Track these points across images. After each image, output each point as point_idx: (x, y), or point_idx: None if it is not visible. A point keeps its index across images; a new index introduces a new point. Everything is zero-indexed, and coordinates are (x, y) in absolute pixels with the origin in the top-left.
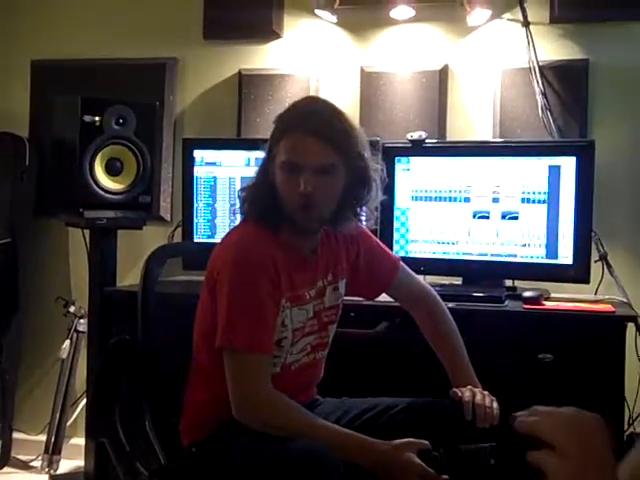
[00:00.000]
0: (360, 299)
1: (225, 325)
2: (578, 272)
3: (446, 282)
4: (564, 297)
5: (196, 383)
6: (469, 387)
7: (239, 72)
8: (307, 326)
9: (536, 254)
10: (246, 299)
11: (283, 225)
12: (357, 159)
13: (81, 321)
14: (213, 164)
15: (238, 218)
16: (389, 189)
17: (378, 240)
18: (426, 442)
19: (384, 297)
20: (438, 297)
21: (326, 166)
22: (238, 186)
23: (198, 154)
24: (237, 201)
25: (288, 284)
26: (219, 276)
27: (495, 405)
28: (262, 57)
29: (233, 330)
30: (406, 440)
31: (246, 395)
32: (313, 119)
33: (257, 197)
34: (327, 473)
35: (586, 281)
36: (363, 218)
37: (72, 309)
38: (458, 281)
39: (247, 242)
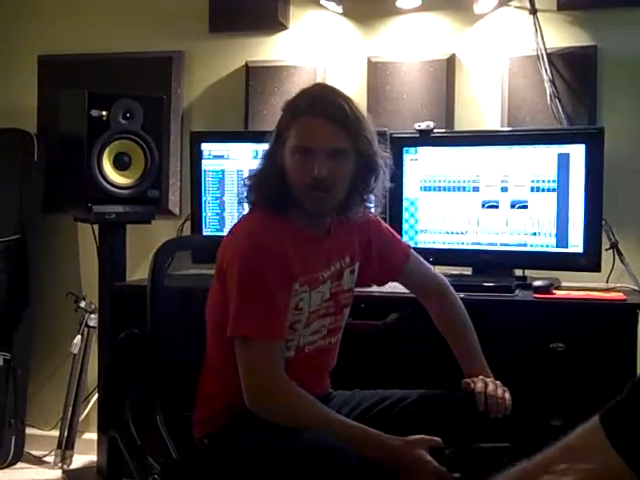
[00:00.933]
0: (370, 290)
1: (235, 314)
2: (589, 260)
3: (456, 272)
4: (575, 286)
5: (208, 375)
6: (481, 377)
7: (246, 64)
8: (322, 308)
9: (546, 243)
10: (255, 288)
11: (292, 209)
12: (367, 145)
13: (92, 316)
14: (221, 157)
15: (246, 208)
16: (397, 179)
17: (389, 227)
18: (438, 439)
19: (394, 288)
20: (450, 287)
21: (338, 150)
22: None
23: (206, 147)
24: (244, 190)
25: (301, 267)
26: (228, 268)
27: (507, 396)
28: (268, 49)
29: (243, 318)
30: (419, 437)
31: (258, 384)
32: (325, 104)
33: (265, 183)
34: (339, 467)
35: (597, 269)
36: (371, 205)
37: (82, 304)
38: (468, 271)
39: (255, 231)
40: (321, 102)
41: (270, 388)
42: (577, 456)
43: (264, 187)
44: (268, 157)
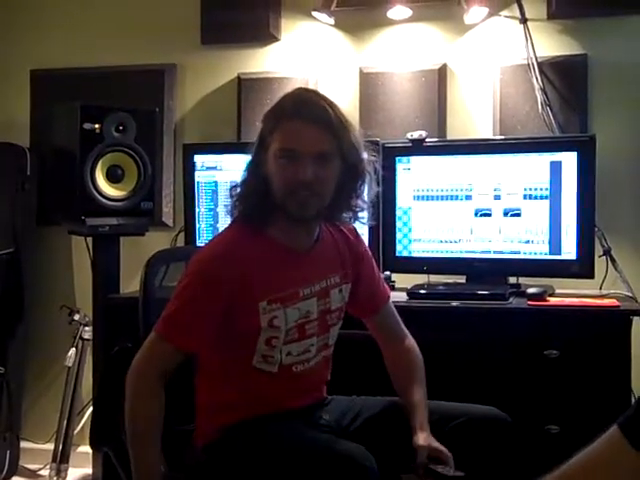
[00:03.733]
0: None
1: (167, 315)
2: (582, 267)
3: (450, 280)
4: (568, 293)
5: (204, 386)
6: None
7: (238, 76)
8: (309, 328)
9: (539, 250)
10: (194, 299)
11: (275, 219)
12: (351, 148)
13: (86, 329)
14: (214, 168)
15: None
16: (390, 189)
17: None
18: None
19: (394, 295)
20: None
21: (324, 153)
22: None
23: (199, 159)
24: (229, 201)
25: (270, 286)
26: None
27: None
28: (260, 61)
29: (169, 323)
30: None
31: (135, 367)
32: (309, 107)
33: (248, 195)
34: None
35: (590, 276)
36: (364, 214)
37: (77, 317)
38: (462, 279)
39: (222, 248)
40: (305, 105)
41: (139, 376)
42: (602, 468)
43: (247, 199)
44: (251, 167)
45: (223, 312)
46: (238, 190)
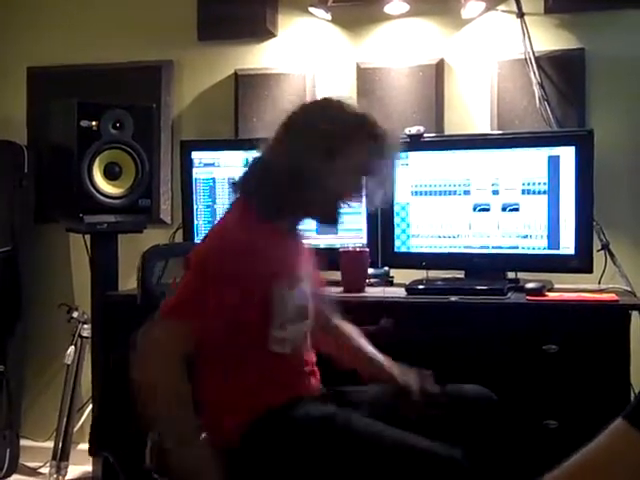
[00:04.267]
0: (362, 294)
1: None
2: (581, 262)
3: (449, 276)
4: (567, 287)
5: (216, 382)
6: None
7: (235, 72)
8: (309, 310)
9: (538, 245)
10: (190, 290)
11: (290, 212)
12: None
13: (85, 326)
14: (211, 165)
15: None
16: None
17: None
18: None
19: (389, 292)
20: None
21: None
22: None
23: (196, 156)
24: (245, 174)
25: (280, 270)
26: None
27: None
28: (257, 57)
29: (167, 304)
30: None
31: (152, 350)
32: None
33: (276, 182)
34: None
35: (589, 271)
36: None
37: (75, 315)
38: (460, 274)
39: (224, 246)
40: (388, 135)
41: (162, 356)
42: (608, 463)
43: (271, 188)
44: (303, 160)
45: (231, 303)
46: (264, 173)
